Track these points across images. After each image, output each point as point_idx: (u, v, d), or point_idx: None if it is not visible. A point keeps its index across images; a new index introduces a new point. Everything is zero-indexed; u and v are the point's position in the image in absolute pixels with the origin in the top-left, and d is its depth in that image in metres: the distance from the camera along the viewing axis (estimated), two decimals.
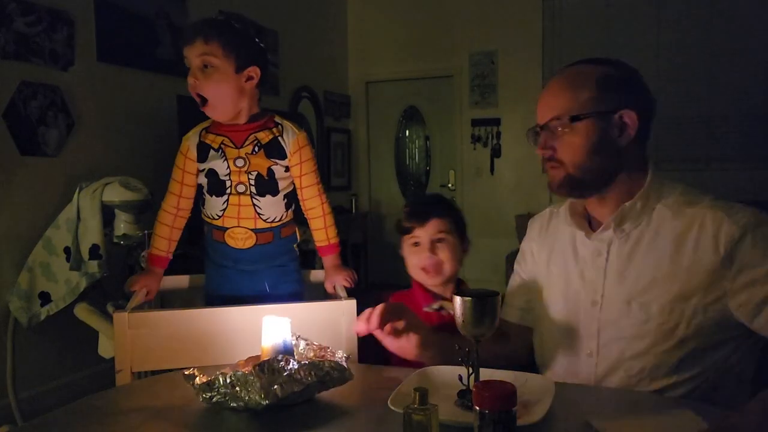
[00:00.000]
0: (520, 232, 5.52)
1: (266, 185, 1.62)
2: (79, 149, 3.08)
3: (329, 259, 1.73)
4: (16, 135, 2.77)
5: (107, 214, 2.63)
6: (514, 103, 5.45)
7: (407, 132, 6.23)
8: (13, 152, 2.77)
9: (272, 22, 4.74)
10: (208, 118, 1.63)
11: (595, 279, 1.24)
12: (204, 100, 1.56)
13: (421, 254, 1.51)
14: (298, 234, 1.76)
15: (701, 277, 1.13)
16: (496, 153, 5.59)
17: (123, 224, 2.65)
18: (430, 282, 1.53)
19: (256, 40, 1.65)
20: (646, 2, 4.94)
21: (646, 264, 1.18)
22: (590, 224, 1.30)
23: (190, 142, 1.64)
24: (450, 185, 5.87)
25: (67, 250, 2.61)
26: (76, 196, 2.63)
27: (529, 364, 1.39)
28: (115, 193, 2.60)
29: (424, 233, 1.51)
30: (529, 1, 5.32)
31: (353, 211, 5.76)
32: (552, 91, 1.24)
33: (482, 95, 5.61)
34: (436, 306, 1.48)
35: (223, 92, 1.55)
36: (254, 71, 1.58)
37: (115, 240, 2.65)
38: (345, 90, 6.04)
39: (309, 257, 1.81)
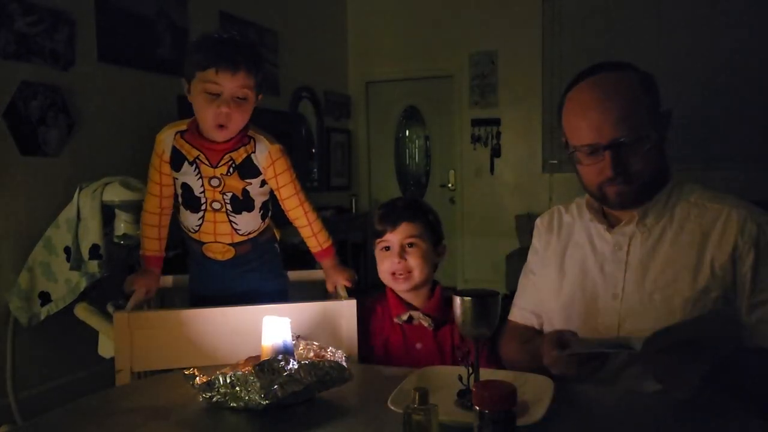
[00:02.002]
0: (520, 232, 5.55)
1: (241, 204, 1.59)
2: (80, 149, 3.08)
3: (327, 262, 1.72)
4: (16, 135, 2.77)
5: (107, 214, 2.63)
6: (514, 103, 5.45)
7: (407, 132, 6.23)
8: (13, 152, 2.77)
9: (272, 22, 4.74)
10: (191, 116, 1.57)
11: (615, 272, 1.26)
12: (221, 126, 1.51)
13: (391, 259, 1.47)
14: (276, 234, 1.75)
15: (723, 270, 1.16)
16: (496, 153, 5.59)
17: (123, 224, 2.65)
18: (399, 288, 1.49)
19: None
20: (646, 2, 4.94)
21: (669, 257, 1.21)
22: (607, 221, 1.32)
23: (165, 144, 1.58)
24: (450, 185, 5.87)
25: (67, 250, 2.61)
26: (76, 196, 2.63)
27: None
28: (115, 193, 2.60)
29: (394, 237, 1.47)
30: (529, 1, 5.31)
31: (353, 211, 5.76)
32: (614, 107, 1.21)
33: (482, 95, 5.60)
34: (404, 317, 1.47)
35: (245, 121, 1.53)
36: (261, 98, 1.56)
37: (115, 240, 2.65)
38: (345, 90, 6.03)
39: (309, 257, 1.80)
